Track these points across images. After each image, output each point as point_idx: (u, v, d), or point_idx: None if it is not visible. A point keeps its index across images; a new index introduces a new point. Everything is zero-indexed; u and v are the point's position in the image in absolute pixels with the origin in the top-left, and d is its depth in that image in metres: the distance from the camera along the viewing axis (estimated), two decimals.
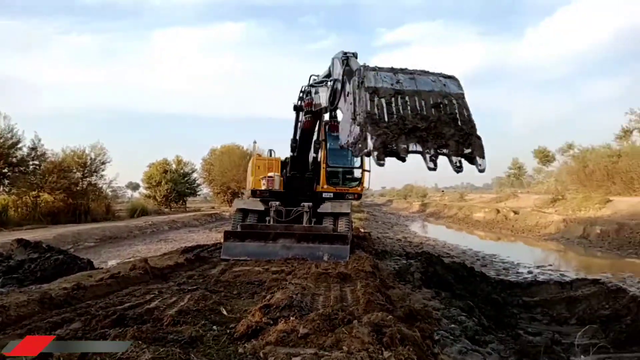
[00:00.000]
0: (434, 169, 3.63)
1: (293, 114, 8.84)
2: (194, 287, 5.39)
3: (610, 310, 6.07)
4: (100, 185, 25.06)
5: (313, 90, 7.22)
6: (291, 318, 3.47)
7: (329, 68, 6.21)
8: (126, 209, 27.12)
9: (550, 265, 12.00)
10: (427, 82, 4.04)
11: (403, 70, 4.10)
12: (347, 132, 4.09)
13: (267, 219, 9.53)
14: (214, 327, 3.62)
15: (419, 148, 3.63)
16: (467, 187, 76.96)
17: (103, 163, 24.75)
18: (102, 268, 7.96)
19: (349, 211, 9.75)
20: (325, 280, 5.65)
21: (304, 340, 3.05)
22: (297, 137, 9.04)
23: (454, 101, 3.99)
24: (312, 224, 9.23)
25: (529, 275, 10.08)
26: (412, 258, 9.58)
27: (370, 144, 3.54)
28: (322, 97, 6.78)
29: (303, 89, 8.19)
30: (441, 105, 3.89)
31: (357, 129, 3.76)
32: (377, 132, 3.56)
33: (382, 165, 3.59)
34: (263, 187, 9.75)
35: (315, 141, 9.53)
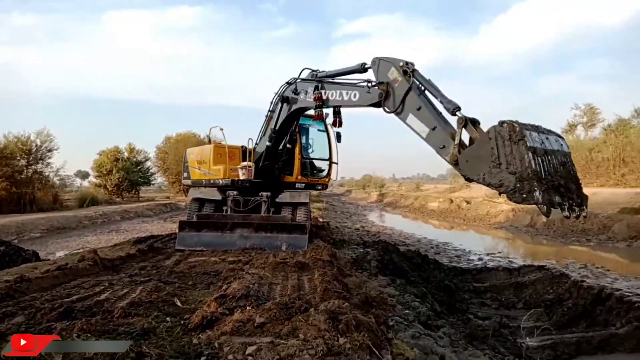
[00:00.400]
0: (569, 218, 4.45)
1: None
2: (147, 278, 5.21)
3: (554, 295, 6.43)
4: (46, 174, 24.05)
5: (319, 85, 7.48)
6: (247, 308, 3.43)
7: (363, 67, 6.74)
8: (75, 198, 25.95)
9: (500, 252, 12.54)
10: (553, 142, 4.69)
11: (538, 128, 4.62)
12: (482, 171, 4.58)
13: (225, 208, 9.35)
14: (168, 318, 3.51)
15: (561, 200, 4.35)
16: (423, 178, 79.07)
17: (50, 150, 23.71)
18: (48, 259, 7.60)
19: (307, 201, 9.75)
20: (282, 270, 5.62)
21: (260, 330, 3.02)
22: (277, 128, 8.93)
23: (568, 159, 4.80)
24: (271, 214, 9.15)
25: (480, 262, 10.49)
26: (370, 247, 9.72)
27: (539, 198, 4.14)
28: (344, 94, 7.13)
29: (291, 81, 8.35)
30: (564, 163, 4.67)
31: (509, 177, 4.30)
32: (542, 188, 4.19)
33: (549, 216, 4.33)
34: (243, 177, 9.52)
35: (292, 132, 9.55)
